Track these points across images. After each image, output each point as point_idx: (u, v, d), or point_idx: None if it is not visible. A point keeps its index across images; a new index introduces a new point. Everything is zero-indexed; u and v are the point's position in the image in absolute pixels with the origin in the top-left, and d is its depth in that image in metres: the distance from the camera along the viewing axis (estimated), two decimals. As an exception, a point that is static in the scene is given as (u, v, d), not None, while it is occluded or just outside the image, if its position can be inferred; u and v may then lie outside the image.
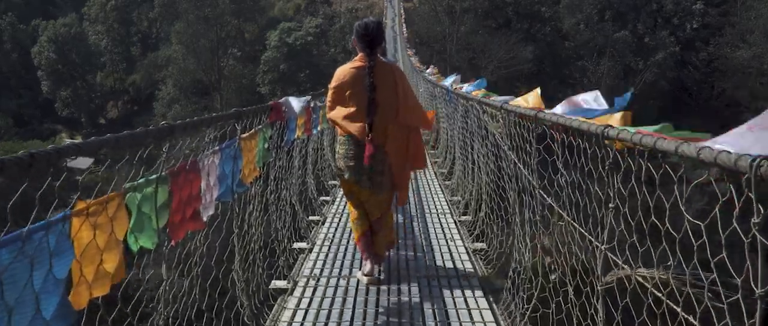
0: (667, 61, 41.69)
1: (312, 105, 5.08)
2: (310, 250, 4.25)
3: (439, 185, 6.84)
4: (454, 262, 3.88)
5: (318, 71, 38.20)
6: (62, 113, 48.86)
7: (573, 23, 44.08)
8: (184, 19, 44.01)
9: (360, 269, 3.78)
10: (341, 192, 6.11)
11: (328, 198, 6.19)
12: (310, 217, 5.30)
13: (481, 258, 3.98)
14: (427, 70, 13.17)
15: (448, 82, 7.03)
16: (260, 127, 3.05)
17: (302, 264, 3.97)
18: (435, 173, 7.62)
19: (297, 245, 4.37)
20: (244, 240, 2.95)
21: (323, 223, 5.09)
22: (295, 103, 3.82)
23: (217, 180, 2.24)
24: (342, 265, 3.91)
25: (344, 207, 5.60)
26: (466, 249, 4.15)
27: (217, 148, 2.29)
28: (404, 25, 38.75)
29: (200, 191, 1.99)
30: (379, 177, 3.49)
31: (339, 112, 3.49)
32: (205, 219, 2.09)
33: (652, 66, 41.20)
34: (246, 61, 45.16)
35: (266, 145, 3.14)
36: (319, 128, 5.80)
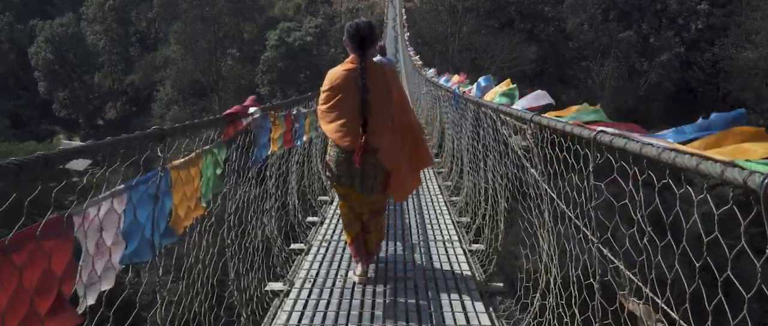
0: (672, 61, 41.20)
1: (294, 112, 4.24)
2: (288, 294, 3.42)
3: (445, 202, 5.96)
4: (465, 312, 3.06)
5: (318, 71, 37.55)
6: (60, 114, 48.45)
7: (576, 23, 43.55)
8: (182, 19, 43.42)
9: (352, 272, 3.80)
10: (331, 212, 5.35)
11: (315, 219, 5.30)
12: (293, 246, 4.43)
13: (501, 306, 3.19)
14: (429, 72, 12.42)
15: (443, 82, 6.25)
16: (209, 147, 2.26)
17: (275, 315, 3.16)
18: (439, 187, 6.73)
19: (271, 287, 3.53)
20: (182, 302, 2.16)
21: (308, 253, 4.27)
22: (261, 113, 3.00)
23: (123, 234, 1.53)
24: (325, 314, 3.05)
25: (334, 231, 4.79)
26: (480, 293, 3.31)
27: (121, 186, 1.56)
28: (405, 25, 38.10)
29: (75, 263, 1.26)
30: (370, 181, 3.48)
31: (330, 118, 3.45)
32: (90, 301, 1.35)
33: (656, 67, 40.67)
34: (245, 61, 44.68)
35: (220, 171, 2.35)
36: (305, 138, 4.87)
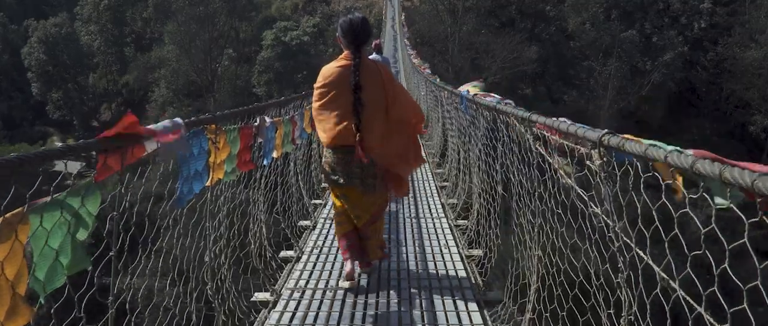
0: (675, 61, 40.71)
1: (256, 124, 3.29)
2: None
3: (450, 227, 4.87)
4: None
5: (315, 72, 36.64)
6: (54, 116, 47.76)
7: (578, 22, 42.94)
8: (175, 19, 42.68)
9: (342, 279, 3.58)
10: (312, 245, 4.45)
11: (291, 253, 4.19)
12: (256, 296, 3.38)
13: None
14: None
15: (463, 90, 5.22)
16: (52, 198, 1.39)
17: None
18: (442, 205, 5.71)
19: None
20: None
21: (275, 306, 3.21)
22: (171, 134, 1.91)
23: None
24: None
25: (314, 271, 3.82)
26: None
27: None
28: (405, 24, 37.44)
29: None
30: (370, 180, 3.40)
31: (323, 116, 3.36)
32: None
33: (659, 66, 40.10)
34: (241, 61, 43.96)
35: (85, 235, 1.47)
36: (275, 155, 3.88)
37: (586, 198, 1.62)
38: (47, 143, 42.36)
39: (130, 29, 52.78)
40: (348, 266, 3.57)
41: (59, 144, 43.34)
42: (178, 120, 1.95)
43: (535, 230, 2.37)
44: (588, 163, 1.48)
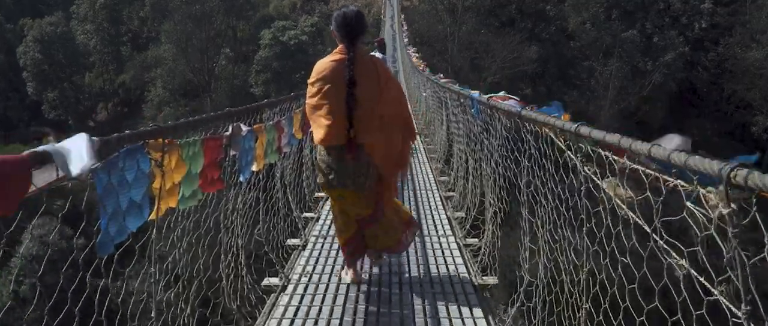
0: (676, 61, 40.52)
1: (226, 132, 2.73)
2: None
3: (459, 246, 4.27)
4: None
5: (313, 72, 36.43)
6: (49, 116, 47.23)
7: (579, 22, 42.64)
8: (172, 18, 42.25)
9: (344, 272, 3.71)
10: (300, 271, 3.90)
11: (276, 281, 3.64)
12: None
13: None
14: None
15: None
16: None
17: None
18: (448, 219, 5.11)
19: None
20: None
21: None
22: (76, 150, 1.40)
23: None
24: None
25: (300, 305, 3.21)
26: None
27: None
28: (404, 24, 37.04)
29: None
30: (362, 178, 3.31)
31: (317, 113, 3.28)
32: None
33: (660, 67, 39.86)
34: (238, 61, 43.55)
35: None
36: (255, 168, 3.36)
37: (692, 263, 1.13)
38: (43, 143, 41.88)
39: (127, 28, 52.31)
40: (351, 274, 3.62)
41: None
42: (82, 135, 1.44)
43: (583, 275, 1.82)
44: (688, 204, 0.98)
